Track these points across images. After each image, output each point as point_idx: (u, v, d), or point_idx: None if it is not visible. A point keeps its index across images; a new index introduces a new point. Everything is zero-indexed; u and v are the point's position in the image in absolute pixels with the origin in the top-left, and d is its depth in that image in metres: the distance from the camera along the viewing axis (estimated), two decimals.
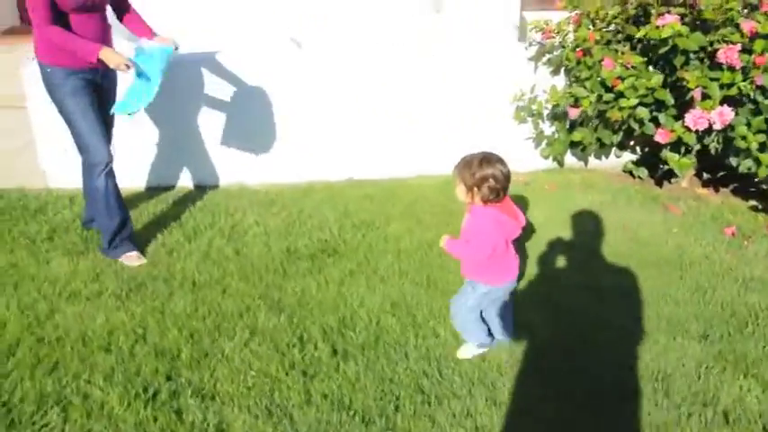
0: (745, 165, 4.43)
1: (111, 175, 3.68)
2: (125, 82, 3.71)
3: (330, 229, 4.22)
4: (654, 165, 5.28)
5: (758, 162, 4.35)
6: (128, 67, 3.44)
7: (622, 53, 4.68)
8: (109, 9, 3.70)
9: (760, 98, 4.25)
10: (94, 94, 3.64)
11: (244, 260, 3.83)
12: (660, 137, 4.51)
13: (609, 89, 4.68)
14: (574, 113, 4.78)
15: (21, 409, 2.64)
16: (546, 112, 5.23)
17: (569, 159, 5.45)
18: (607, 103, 4.67)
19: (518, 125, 5.30)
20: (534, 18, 5.37)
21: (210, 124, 4.85)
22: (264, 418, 2.62)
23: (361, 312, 3.31)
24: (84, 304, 3.37)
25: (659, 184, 5.23)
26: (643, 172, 5.24)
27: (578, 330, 3.22)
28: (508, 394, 2.78)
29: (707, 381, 2.88)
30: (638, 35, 4.52)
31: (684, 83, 4.35)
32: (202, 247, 3.97)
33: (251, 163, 4.99)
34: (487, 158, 2.68)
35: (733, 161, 4.56)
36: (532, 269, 3.79)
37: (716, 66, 4.39)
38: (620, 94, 4.60)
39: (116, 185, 3.74)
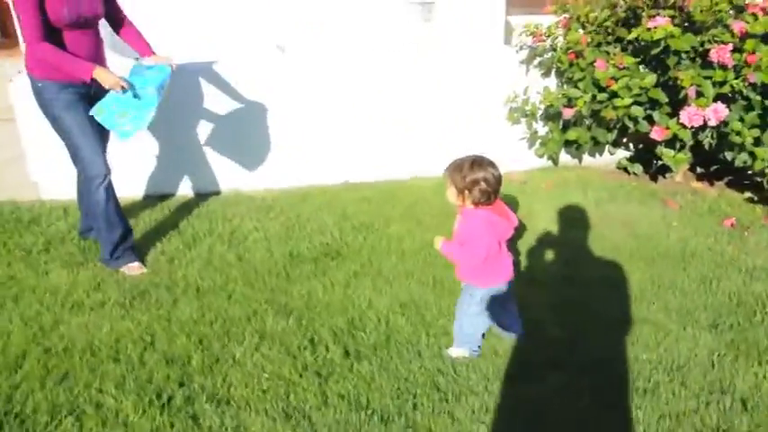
0: (741, 159, 4.48)
1: (109, 187, 3.62)
2: None
3: (330, 232, 4.19)
4: (647, 161, 5.33)
5: (753, 156, 4.42)
6: (123, 88, 3.39)
7: (614, 55, 4.72)
8: (102, 23, 3.65)
9: (752, 95, 4.32)
10: (87, 104, 3.55)
11: (246, 266, 3.79)
12: (656, 134, 4.56)
13: (602, 89, 4.73)
14: (569, 113, 4.83)
15: (34, 420, 2.58)
16: (539, 113, 5.26)
17: (563, 158, 5.49)
18: (601, 102, 4.71)
19: (511, 126, 5.32)
20: (523, 22, 5.42)
21: (205, 132, 4.82)
22: (282, 421, 2.58)
23: (370, 313, 3.28)
24: (88, 314, 3.31)
25: (654, 179, 5.27)
26: (638, 168, 5.29)
27: (589, 325, 3.21)
28: (525, 389, 2.76)
29: (721, 369, 2.89)
30: (630, 37, 4.59)
31: (679, 81, 4.40)
32: (203, 254, 3.92)
33: (246, 170, 4.96)
34: (478, 162, 2.67)
35: (728, 155, 4.61)
36: (538, 267, 3.80)
37: (707, 65, 4.45)
38: (614, 94, 4.64)
39: (115, 197, 3.68)
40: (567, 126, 5.17)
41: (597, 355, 2.99)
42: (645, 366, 2.89)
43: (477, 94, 5.21)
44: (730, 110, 4.36)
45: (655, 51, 4.51)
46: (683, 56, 4.51)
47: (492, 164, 2.69)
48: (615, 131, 4.92)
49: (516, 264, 3.74)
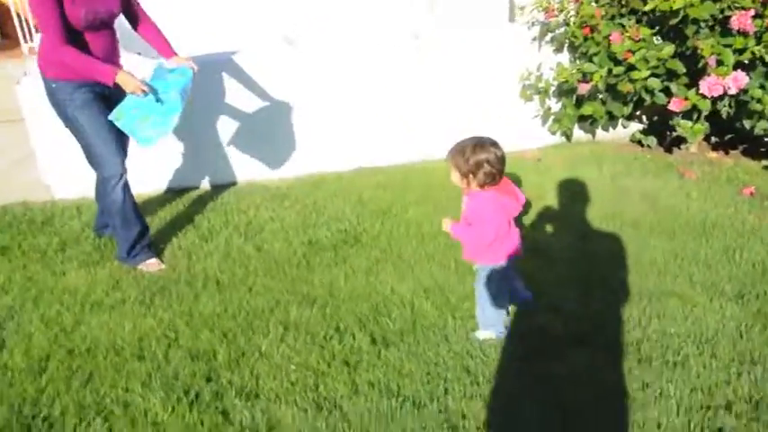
0: (761, 126, 4.43)
1: (126, 186, 3.57)
2: None
3: (348, 219, 4.16)
4: (661, 133, 5.27)
5: None
6: (144, 92, 3.31)
7: (629, 27, 4.65)
8: (120, 21, 3.56)
9: None
10: (103, 103, 3.50)
11: (265, 256, 3.76)
12: (674, 105, 4.50)
13: (618, 62, 4.66)
14: (584, 88, 4.76)
15: (63, 422, 2.55)
16: (552, 89, 5.20)
17: (576, 133, 5.44)
18: (617, 76, 4.64)
19: (525, 103, 5.27)
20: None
21: (216, 123, 4.78)
22: (314, 412, 2.54)
23: (394, 299, 3.24)
24: (108, 313, 3.28)
25: (669, 151, 5.22)
26: (652, 140, 5.24)
27: (614, 300, 3.17)
28: (556, 368, 2.72)
29: (750, 340, 2.85)
30: (647, 8, 4.50)
31: (699, 51, 4.32)
32: (221, 247, 3.89)
33: (259, 159, 4.92)
34: (480, 143, 2.63)
35: (747, 124, 4.55)
36: (558, 244, 3.74)
37: (726, 32, 4.37)
38: (631, 67, 4.57)
39: (132, 196, 3.63)
40: (580, 101, 5.11)
41: (624, 329, 2.94)
42: (673, 340, 2.85)
43: (487, 73, 5.15)
44: (750, 78, 4.29)
45: (673, 21, 4.43)
46: (702, 25, 4.42)
47: (494, 143, 2.65)
48: (631, 105, 4.84)
49: (535, 241, 3.72)
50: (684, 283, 3.28)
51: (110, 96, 3.53)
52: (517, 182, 4.40)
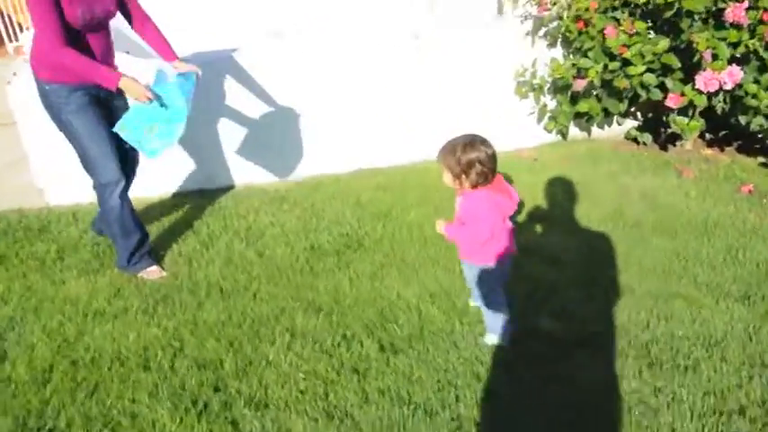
0: (757, 122, 4.43)
1: (124, 193, 3.49)
2: None
3: (349, 222, 4.13)
4: (656, 129, 5.28)
5: None
6: (149, 99, 3.24)
7: (623, 20, 4.63)
8: (118, 21, 3.49)
9: (766, 54, 4.24)
10: (99, 107, 3.43)
11: (268, 262, 3.73)
12: (671, 101, 4.49)
13: (613, 57, 4.64)
14: (580, 84, 4.72)
15: None
16: (547, 86, 5.18)
17: (571, 131, 5.43)
18: (613, 72, 4.63)
19: (520, 101, 5.24)
20: None
21: (211, 126, 4.73)
22: (325, 421, 2.53)
23: (400, 304, 3.23)
24: (111, 322, 3.25)
25: (664, 148, 5.22)
26: (647, 138, 5.24)
27: (620, 302, 3.17)
28: (568, 371, 2.72)
29: (759, 342, 2.86)
30: (641, 1, 4.47)
31: (695, 45, 4.31)
32: (222, 253, 3.85)
33: (256, 162, 4.88)
34: (470, 142, 2.60)
35: (742, 119, 4.55)
36: (560, 246, 3.73)
37: (720, 25, 4.37)
38: (626, 62, 4.56)
39: (130, 203, 3.56)
40: (575, 98, 5.10)
41: (632, 332, 2.95)
42: (682, 343, 2.85)
43: (486, 72, 5.13)
44: (744, 72, 4.29)
45: (668, 14, 4.42)
46: (695, 17, 4.42)
47: (484, 141, 2.62)
48: (626, 101, 4.84)
49: (538, 243, 3.72)
50: (689, 285, 3.28)
51: (105, 100, 3.47)
52: (515, 182, 4.39)
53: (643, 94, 4.63)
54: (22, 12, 9.70)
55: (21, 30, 9.44)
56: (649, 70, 4.53)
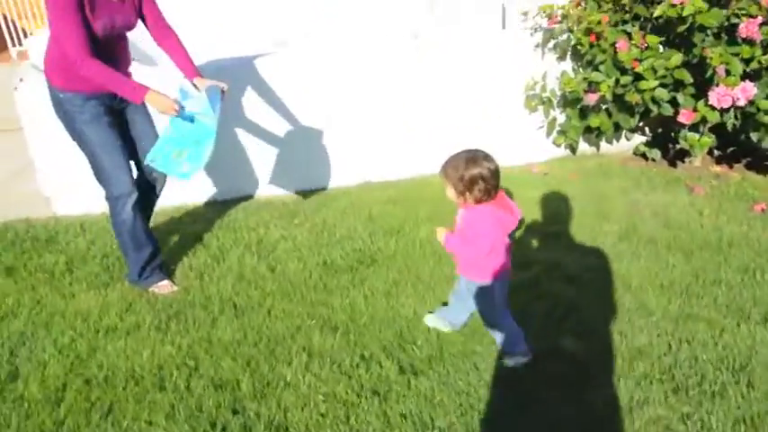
0: None
1: (136, 206, 3.43)
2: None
3: (361, 237, 4.09)
4: (664, 145, 5.26)
5: None
6: (176, 111, 3.16)
7: (634, 34, 4.62)
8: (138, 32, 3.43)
9: None
10: (113, 116, 3.38)
11: (281, 278, 3.68)
12: (684, 117, 4.46)
13: (624, 71, 4.62)
14: (592, 98, 4.69)
15: None
16: (556, 100, 5.16)
17: (580, 145, 5.40)
18: (624, 86, 4.60)
19: (529, 114, 5.22)
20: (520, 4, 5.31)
21: (218, 137, 4.66)
22: None
23: (418, 323, 3.19)
24: (124, 339, 3.20)
25: (672, 164, 5.21)
26: (656, 153, 5.22)
27: (642, 324, 3.14)
28: (591, 394, 2.69)
29: None
30: (656, 14, 4.44)
31: (709, 60, 4.29)
32: (233, 267, 3.81)
33: (265, 174, 4.84)
34: (473, 158, 2.59)
35: (753, 136, 4.53)
36: (575, 263, 3.70)
37: (732, 40, 4.35)
38: (638, 76, 4.54)
39: (142, 216, 3.51)
40: (584, 112, 5.07)
41: (654, 355, 2.91)
42: (707, 367, 2.82)
43: (494, 85, 5.11)
44: (757, 88, 4.28)
45: (681, 29, 4.40)
46: (708, 33, 4.40)
47: (487, 157, 2.61)
48: (637, 116, 4.82)
49: (556, 262, 3.69)
50: (710, 306, 3.25)
51: (120, 109, 3.43)
52: (528, 197, 4.38)
53: (654, 109, 4.61)
54: (26, 17, 9.68)
55: (24, 35, 9.40)
56: (661, 85, 4.50)
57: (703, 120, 4.46)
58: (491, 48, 5.09)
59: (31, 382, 2.90)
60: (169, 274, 3.74)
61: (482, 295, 2.80)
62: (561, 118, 5.26)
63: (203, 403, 2.74)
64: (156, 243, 3.66)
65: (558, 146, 5.32)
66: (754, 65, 4.28)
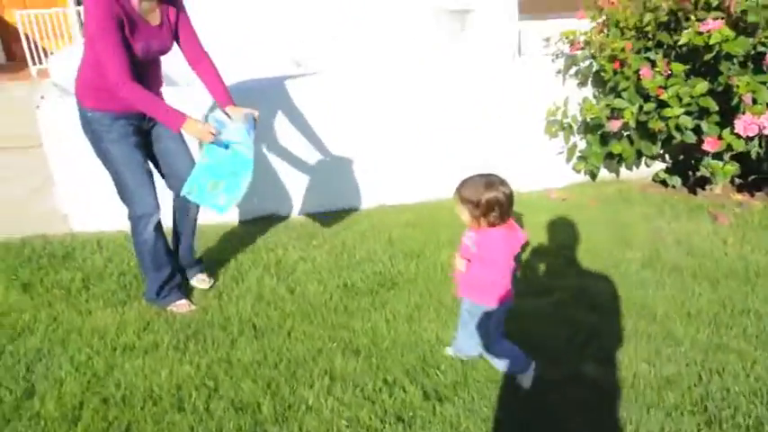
0: None
1: (159, 226, 3.43)
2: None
3: (381, 260, 4.04)
4: (684, 172, 5.21)
5: None
6: (213, 135, 3.16)
7: (658, 61, 4.59)
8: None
9: None
10: (140, 136, 3.37)
11: (300, 299, 3.63)
12: (709, 145, 4.42)
13: (647, 98, 4.59)
14: (615, 125, 4.66)
15: None
16: (576, 126, 5.13)
17: (599, 171, 5.35)
18: (648, 113, 4.57)
19: (549, 140, 5.19)
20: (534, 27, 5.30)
21: None
22: None
23: (441, 348, 3.13)
24: (142, 358, 3.15)
25: (692, 191, 5.15)
26: (676, 180, 5.17)
27: (671, 354, 3.07)
28: (623, 424, 2.62)
29: None
30: (682, 42, 4.42)
31: (735, 88, 4.26)
32: (252, 288, 3.76)
33: (281, 195, 4.80)
34: (490, 182, 2.58)
35: None
36: (600, 292, 3.64)
37: (758, 69, 4.32)
38: (661, 103, 4.51)
39: (164, 236, 3.51)
40: (605, 138, 5.04)
41: (684, 385, 2.84)
42: (740, 400, 2.75)
43: (513, 108, 5.08)
44: None
45: (707, 57, 4.37)
46: (734, 61, 4.37)
47: (503, 182, 2.61)
48: (659, 143, 4.78)
49: (581, 289, 3.63)
50: (739, 337, 3.18)
51: (148, 129, 3.42)
52: (544, 223, 4.34)
53: (677, 136, 4.56)
54: (47, 37, 9.76)
55: (45, 54, 9.48)
56: (686, 113, 4.46)
57: (728, 147, 4.41)
58: (510, 73, 5.08)
59: (48, 400, 2.86)
60: (187, 294, 3.70)
61: (484, 319, 2.76)
62: (581, 144, 5.22)
63: (224, 426, 2.69)
64: (176, 263, 3.64)
65: (578, 172, 5.28)
66: None
